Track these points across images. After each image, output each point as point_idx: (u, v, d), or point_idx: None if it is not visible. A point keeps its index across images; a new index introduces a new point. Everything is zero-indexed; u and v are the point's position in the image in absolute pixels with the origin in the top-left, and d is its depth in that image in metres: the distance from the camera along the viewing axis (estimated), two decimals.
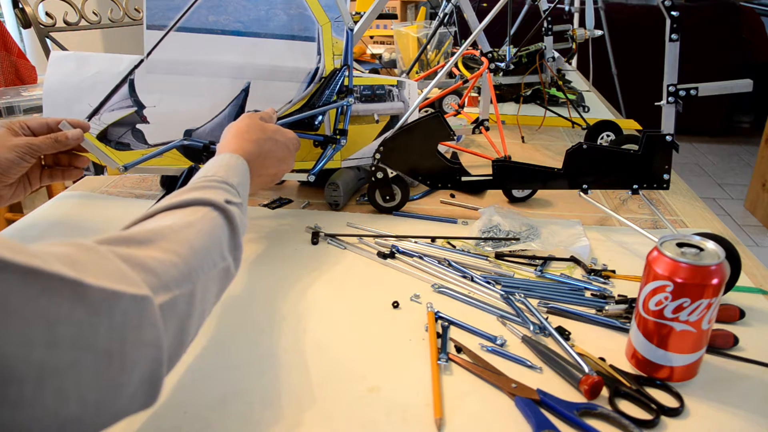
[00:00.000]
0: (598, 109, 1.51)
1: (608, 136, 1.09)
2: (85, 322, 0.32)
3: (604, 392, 0.51)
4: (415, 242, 0.76)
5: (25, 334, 0.29)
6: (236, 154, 0.64)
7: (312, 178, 0.85)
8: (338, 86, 0.84)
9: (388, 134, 0.84)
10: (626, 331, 0.59)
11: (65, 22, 1.74)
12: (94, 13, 1.80)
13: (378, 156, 0.84)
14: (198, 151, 0.86)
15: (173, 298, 0.39)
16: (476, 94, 1.44)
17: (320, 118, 0.86)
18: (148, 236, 0.41)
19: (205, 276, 0.44)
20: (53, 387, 0.30)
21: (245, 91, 0.85)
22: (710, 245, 0.51)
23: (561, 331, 0.59)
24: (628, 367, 0.55)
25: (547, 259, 0.72)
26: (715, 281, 0.48)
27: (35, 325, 0.30)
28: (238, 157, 0.63)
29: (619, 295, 0.65)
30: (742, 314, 0.61)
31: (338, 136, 0.86)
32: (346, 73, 0.84)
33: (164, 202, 0.49)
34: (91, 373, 0.32)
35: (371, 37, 2.12)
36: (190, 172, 0.78)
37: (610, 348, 0.57)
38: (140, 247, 0.39)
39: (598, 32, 1.48)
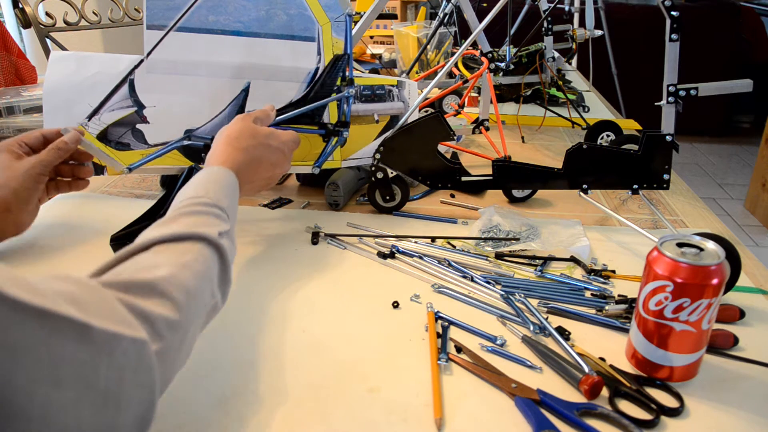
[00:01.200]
0: (598, 109, 1.51)
1: (608, 136, 1.09)
2: (88, 362, 0.33)
3: (604, 392, 0.51)
4: (415, 242, 0.76)
5: (32, 372, 0.30)
6: (225, 166, 0.63)
7: (317, 170, 0.85)
8: (338, 77, 0.83)
9: (388, 134, 0.84)
10: (626, 331, 0.59)
11: (65, 22, 1.74)
12: (94, 13, 1.80)
13: (378, 156, 0.84)
14: (199, 150, 0.86)
15: (167, 345, 0.40)
16: (476, 94, 1.45)
17: (321, 111, 0.85)
18: (147, 284, 0.41)
19: (197, 318, 0.45)
20: (57, 424, 0.32)
21: (245, 91, 0.85)
22: (710, 245, 0.51)
23: (561, 331, 0.59)
24: (628, 367, 0.55)
25: (547, 259, 0.72)
26: (715, 281, 0.48)
27: (42, 364, 0.31)
28: (227, 172, 0.62)
29: (619, 295, 0.65)
30: (742, 314, 0.61)
31: (340, 128, 0.85)
32: (347, 62, 0.83)
33: (159, 231, 0.48)
34: (91, 411, 0.34)
35: (371, 37, 2.12)
36: (190, 172, 0.78)
37: (610, 348, 0.57)
38: (139, 295, 0.40)
39: (598, 32, 1.48)
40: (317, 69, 0.85)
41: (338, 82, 0.83)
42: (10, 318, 0.29)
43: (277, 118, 0.79)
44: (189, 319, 0.43)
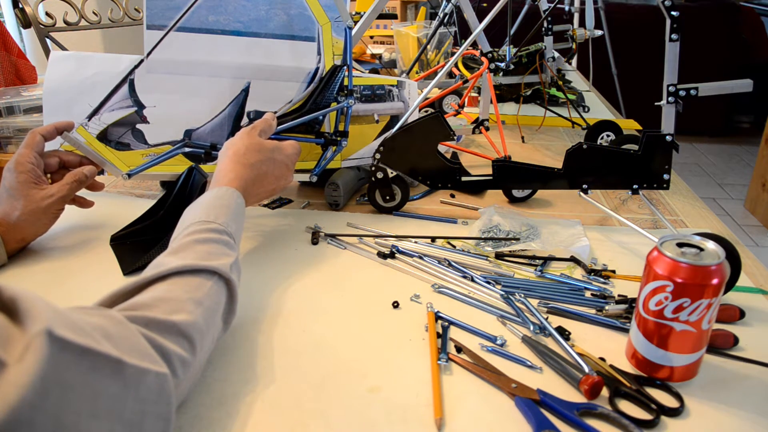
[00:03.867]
0: (598, 109, 1.51)
1: (608, 136, 1.09)
2: (119, 395, 0.36)
3: (604, 392, 0.51)
4: (415, 242, 0.76)
5: (77, 406, 0.33)
6: (233, 185, 0.64)
7: (314, 179, 0.85)
8: (338, 86, 0.83)
9: (388, 134, 0.84)
10: (626, 331, 0.59)
11: (65, 22, 1.74)
12: (94, 13, 1.80)
13: (378, 156, 0.84)
14: (198, 154, 0.86)
15: (180, 380, 0.43)
16: (476, 94, 1.45)
17: (321, 119, 0.85)
18: (170, 325, 0.44)
19: (205, 353, 0.48)
20: None
21: (245, 91, 0.85)
22: (710, 245, 0.51)
23: (561, 331, 0.59)
24: (628, 367, 0.55)
25: (547, 259, 0.72)
26: (715, 281, 0.48)
27: (84, 398, 0.33)
28: (235, 193, 0.63)
29: (619, 295, 0.65)
30: (742, 314, 0.61)
31: (338, 138, 0.85)
32: (346, 73, 0.83)
33: (174, 262, 0.50)
34: None
35: (371, 37, 2.12)
36: (190, 173, 0.78)
37: (610, 348, 0.57)
38: (162, 334, 0.42)
39: (598, 32, 1.48)
40: (317, 69, 0.85)
41: (337, 93, 0.84)
42: (61, 357, 0.32)
43: (277, 128, 0.79)
44: (199, 357, 0.46)
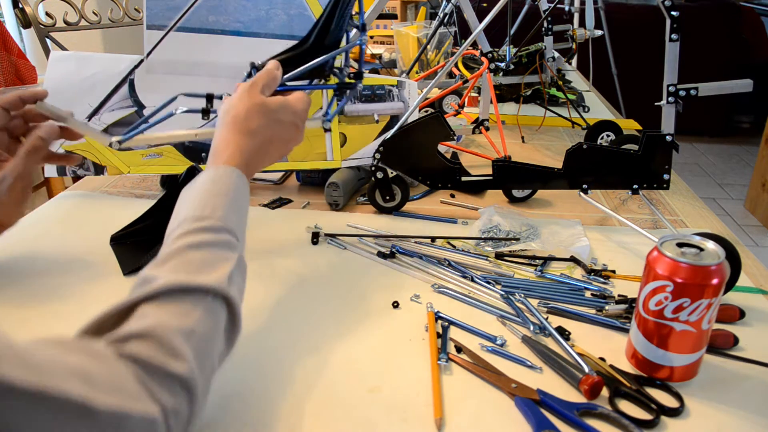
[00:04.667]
0: (598, 109, 1.51)
1: (608, 136, 1.09)
2: None
3: (604, 392, 0.51)
4: (415, 242, 0.76)
5: None
6: (232, 163, 0.56)
7: (328, 125, 0.72)
8: (345, 19, 0.68)
9: (388, 134, 0.84)
10: (626, 331, 0.59)
11: (65, 22, 1.74)
12: (94, 13, 1.80)
13: (378, 156, 0.84)
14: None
15: (176, 415, 0.38)
16: (476, 94, 1.45)
17: (331, 62, 0.72)
18: (167, 374, 0.38)
19: (206, 387, 0.42)
20: None
21: None
22: (710, 245, 0.51)
23: (561, 331, 0.59)
24: (628, 367, 0.55)
25: (547, 259, 0.72)
26: (715, 281, 0.48)
27: None
28: (234, 173, 0.55)
29: (619, 295, 0.65)
30: (742, 314, 0.61)
31: (354, 80, 0.73)
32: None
33: (163, 279, 0.43)
34: None
35: (371, 37, 2.12)
36: (190, 173, 0.78)
37: (610, 348, 0.57)
38: (148, 371, 0.37)
39: (598, 32, 1.48)
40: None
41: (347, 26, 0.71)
42: (4, 401, 0.28)
43: (292, 72, 0.68)
44: (198, 388, 0.40)
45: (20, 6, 1.64)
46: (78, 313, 0.60)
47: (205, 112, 0.70)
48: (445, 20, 1.34)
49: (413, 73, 1.41)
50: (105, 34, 2.50)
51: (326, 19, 0.68)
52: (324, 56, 0.69)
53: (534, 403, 0.49)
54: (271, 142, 0.60)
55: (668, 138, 0.78)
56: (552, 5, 1.33)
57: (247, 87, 0.61)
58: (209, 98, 0.70)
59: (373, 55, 1.93)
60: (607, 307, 0.62)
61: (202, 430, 0.47)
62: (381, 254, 0.74)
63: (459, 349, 0.57)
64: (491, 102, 1.12)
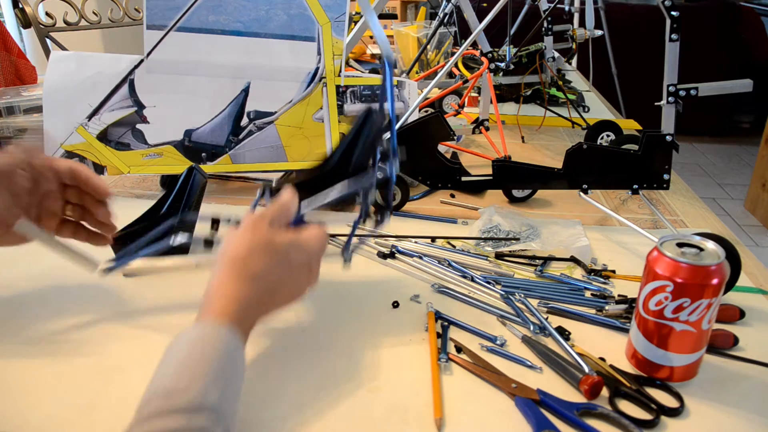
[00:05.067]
0: (598, 109, 1.51)
1: (608, 136, 1.09)
2: None
3: (604, 392, 0.51)
4: (415, 242, 0.76)
5: None
6: (223, 320, 0.45)
7: (348, 265, 0.62)
8: (375, 146, 0.57)
9: (387, 134, 0.84)
10: (626, 331, 0.59)
11: (65, 22, 1.74)
12: (94, 13, 1.80)
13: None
14: (198, 151, 0.86)
15: None
16: (476, 94, 1.45)
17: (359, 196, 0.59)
18: None
19: None
20: None
21: (245, 91, 0.85)
22: (710, 245, 0.51)
23: (561, 331, 0.59)
24: (628, 367, 0.55)
25: (547, 259, 0.72)
26: (715, 281, 0.48)
27: None
28: (223, 332, 0.45)
29: (619, 295, 0.65)
30: (742, 314, 0.61)
31: (380, 213, 0.60)
32: (387, 125, 0.56)
33: None
34: None
35: (371, 37, 2.12)
36: (190, 173, 0.78)
37: (610, 348, 0.57)
38: None
39: (598, 32, 1.48)
40: (317, 69, 0.85)
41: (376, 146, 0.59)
42: None
43: (316, 204, 0.57)
44: None
45: (20, 6, 1.64)
46: (76, 309, 0.60)
47: (208, 243, 0.59)
48: (445, 20, 1.34)
49: (413, 73, 1.41)
50: (105, 34, 2.50)
51: (351, 142, 0.58)
52: (347, 191, 0.57)
53: (534, 403, 0.49)
54: (277, 290, 0.50)
55: (668, 138, 0.78)
56: (552, 5, 1.34)
57: (252, 221, 0.51)
58: (214, 223, 0.62)
59: (373, 55, 1.93)
60: (607, 307, 0.62)
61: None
62: (381, 254, 0.74)
63: (459, 349, 0.57)
64: (491, 102, 1.12)
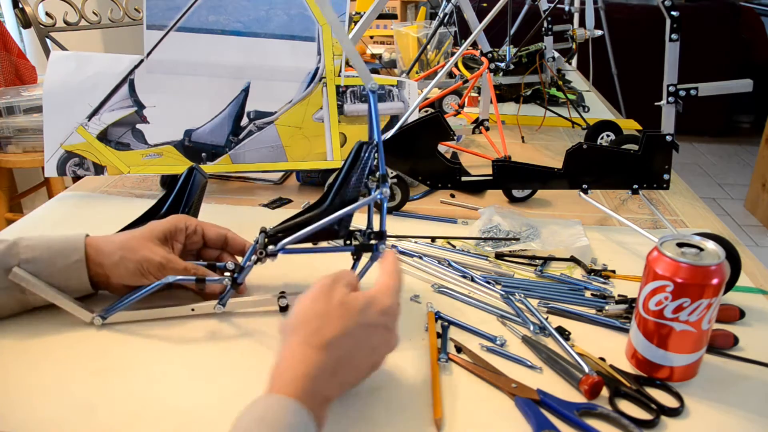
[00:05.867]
0: (598, 109, 1.51)
1: (608, 136, 1.09)
2: None
3: (604, 392, 0.51)
4: (415, 242, 0.76)
5: None
6: (290, 395, 0.41)
7: None
8: (366, 170, 0.59)
9: (388, 134, 0.84)
10: (626, 331, 0.59)
11: (65, 22, 1.74)
12: (94, 13, 1.80)
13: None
14: (198, 151, 0.86)
15: None
16: (476, 94, 1.45)
17: (344, 223, 0.61)
18: None
19: None
20: None
21: (245, 91, 0.85)
22: (710, 245, 0.51)
23: (561, 331, 0.59)
24: (628, 367, 0.55)
25: (547, 259, 0.72)
26: (715, 281, 0.48)
27: None
28: (289, 407, 0.40)
29: (619, 295, 0.65)
30: (742, 314, 0.61)
31: (373, 241, 0.60)
32: (375, 153, 0.58)
33: None
34: None
35: (371, 37, 2.12)
36: (190, 173, 0.78)
37: (610, 348, 0.57)
38: None
39: (598, 32, 1.48)
40: (317, 69, 0.85)
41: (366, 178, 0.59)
42: None
43: (294, 235, 0.57)
44: None
45: (20, 6, 1.64)
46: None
47: (200, 281, 0.59)
48: (445, 20, 1.34)
49: (413, 73, 1.41)
50: (105, 34, 2.50)
51: (345, 176, 0.58)
52: (334, 215, 0.57)
53: (534, 403, 0.49)
54: (354, 355, 0.46)
55: (668, 138, 0.78)
56: (552, 5, 1.33)
57: (326, 283, 0.48)
58: (212, 266, 0.63)
59: (373, 55, 1.93)
60: (607, 307, 0.62)
61: (202, 430, 0.47)
62: None
63: (459, 349, 0.57)
64: (491, 102, 1.12)
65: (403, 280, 0.51)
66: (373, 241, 0.60)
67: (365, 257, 0.61)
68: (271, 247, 0.57)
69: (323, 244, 0.63)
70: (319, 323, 0.45)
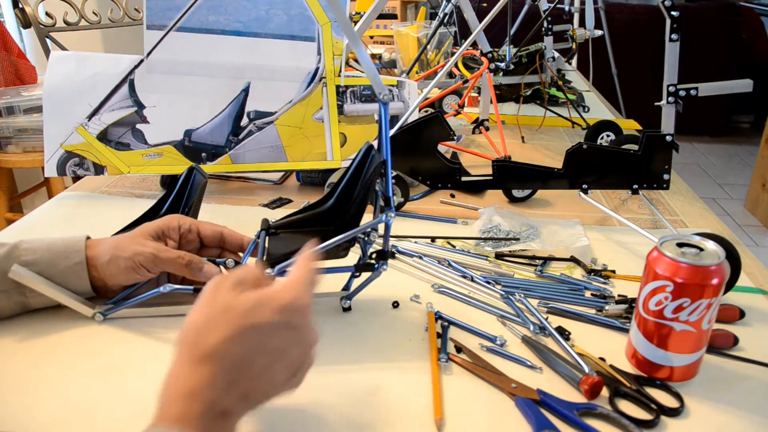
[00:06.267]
0: (598, 109, 1.51)
1: (608, 136, 1.09)
2: None
3: (604, 392, 0.51)
4: (415, 242, 0.76)
5: None
6: (175, 424, 0.36)
7: (347, 303, 0.63)
8: (369, 192, 0.57)
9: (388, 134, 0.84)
10: (626, 331, 0.59)
11: (65, 22, 1.74)
12: (94, 13, 1.80)
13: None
14: (198, 150, 0.86)
15: None
16: (476, 94, 1.45)
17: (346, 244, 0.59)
18: None
19: None
20: None
21: (245, 91, 0.85)
22: (710, 245, 0.51)
23: (561, 331, 0.59)
24: (628, 367, 0.55)
25: (547, 259, 0.72)
26: (715, 281, 0.48)
27: None
28: None
29: (619, 295, 0.65)
30: (742, 314, 0.61)
31: (378, 260, 0.59)
32: (382, 170, 0.55)
33: None
34: None
35: (371, 37, 2.12)
36: (190, 173, 0.78)
37: (610, 348, 0.57)
38: None
39: (598, 32, 1.48)
40: (317, 69, 0.85)
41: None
42: None
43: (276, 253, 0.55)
44: None
45: (20, 6, 1.64)
46: (77, 313, 0.60)
47: (198, 291, 0.57)
48: (445, 20, 1.34)
49: (413, 73, 1.41)
50: (105, 34, 2.50)
51: (351, 179, 0.57)
52: (341, 237, 0.56)
53: (534, 403, 0.49)
54: (252, 363, 0.39)
55: (668, 138, 0.78)
56: (552, 5, 1.33)
57: (211, 289, 0.42)
58: (213, 263, 0.62)
59: (373, 55, 1.93)
60: (607, 307, 0.62)
61: None
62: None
63: (459, 349, 0.57)
64: (491, 102, 1.12)
65: (316, 275, 0.44)
66: (372, 261, 0.59)
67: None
68: (268, 270, 0.56)
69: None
70: (199, 333, 0.39)
